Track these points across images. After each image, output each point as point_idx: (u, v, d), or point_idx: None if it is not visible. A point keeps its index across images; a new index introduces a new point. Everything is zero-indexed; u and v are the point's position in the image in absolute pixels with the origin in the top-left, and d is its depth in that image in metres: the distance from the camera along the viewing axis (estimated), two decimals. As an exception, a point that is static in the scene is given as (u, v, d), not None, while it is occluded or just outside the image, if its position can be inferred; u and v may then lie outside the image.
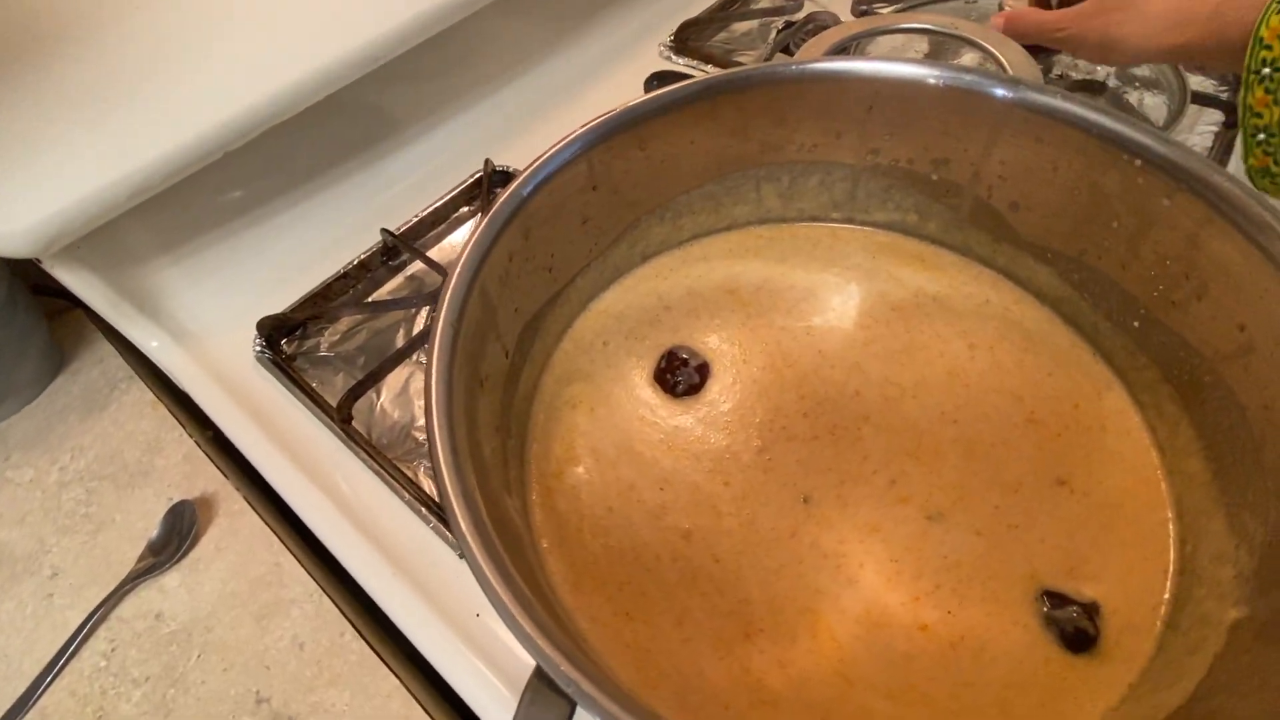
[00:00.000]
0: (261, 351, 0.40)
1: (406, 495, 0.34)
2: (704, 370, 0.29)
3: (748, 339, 0.29)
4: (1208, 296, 0.24)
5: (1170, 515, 0.23)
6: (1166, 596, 0.22)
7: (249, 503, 0.35)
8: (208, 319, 0.41)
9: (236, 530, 0.34)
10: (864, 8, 0.54)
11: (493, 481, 0.22)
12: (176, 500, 0.34)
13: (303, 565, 0.33)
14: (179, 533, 0.33)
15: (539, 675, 0.15)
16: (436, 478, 0.18)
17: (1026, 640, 0.22)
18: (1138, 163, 0.25)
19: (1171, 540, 0.23)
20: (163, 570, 0.33)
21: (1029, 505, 0.24)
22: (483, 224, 0.24)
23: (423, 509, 0.34)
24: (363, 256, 0.44)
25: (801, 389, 0.28)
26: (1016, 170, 0.29)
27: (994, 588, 0.23)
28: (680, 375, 0.28)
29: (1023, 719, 0.20)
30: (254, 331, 0.40)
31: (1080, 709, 0.20)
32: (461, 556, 0.33)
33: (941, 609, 0.22)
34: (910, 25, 0.31)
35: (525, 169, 0.26)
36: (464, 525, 0.17)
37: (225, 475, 0.36)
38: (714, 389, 0.28)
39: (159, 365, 0.40)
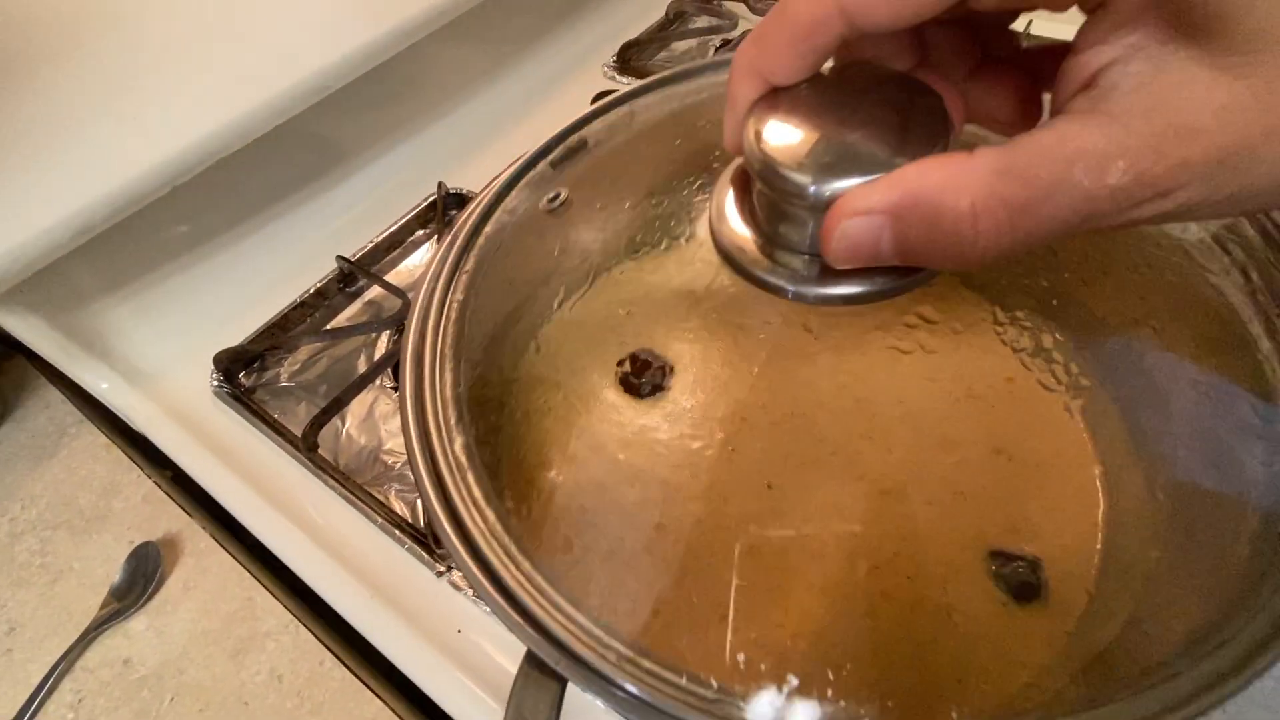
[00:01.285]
0: (220, 386, 0.40)
1: (379, 519, 0.35)
2: (667, 370, 0.30)
3: (707, 338, 0.31)
4: (1111, 273, 0.27)
5: (1097, 473, 0.26)
6: (1098, 546, 0.24)
7: (216, 540, 0.35)
8: (161, 356, 0.40)
9: (205, 568, 0.34)
10: (792, 25, 0.57)
11: (473, 494, 0.23)
12: (139, 543, 0.34)
13: (276, 598, 0.33)
14: (144, 575, 0.33)
15: (529, 660, 0.16)
16: (422, 496, 0.19)
17: (978, 596, 0.23)
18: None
19: (1100, 494, 0.25)
20: (128, 615, 0.32)
21: (973, 474, 0.26)
22: (441, 249, 0.25)
23: (396, 531, 0.34)
24: (319, 284, 0.44)
25: (759, 382, 0.29)
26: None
27: (947, 552, 0.25)
28: (645, 377, 0.29)
29: (981, 668, 0.22)
30: (211, 366, 0.39)
31: (1030, 654, 0.22)
32: (440, 575, 0.33)
33: (901, 575, 0.24)
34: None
35: (480, 194, 0.27)
36: (449, 532, 0.18)
37: (189, 514, 0.36)
38: (677, 387, 0.29)
39: (111, 407, 0.39)
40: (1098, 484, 0.25)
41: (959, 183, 0.12)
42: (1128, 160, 0.11)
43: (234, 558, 0.34)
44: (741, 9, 0.60)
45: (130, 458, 0.38)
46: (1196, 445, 0.23)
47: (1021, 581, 0.23)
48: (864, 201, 0.14)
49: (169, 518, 0.35)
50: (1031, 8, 0.13)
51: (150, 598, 0.32)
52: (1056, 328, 0.29)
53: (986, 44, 0.16)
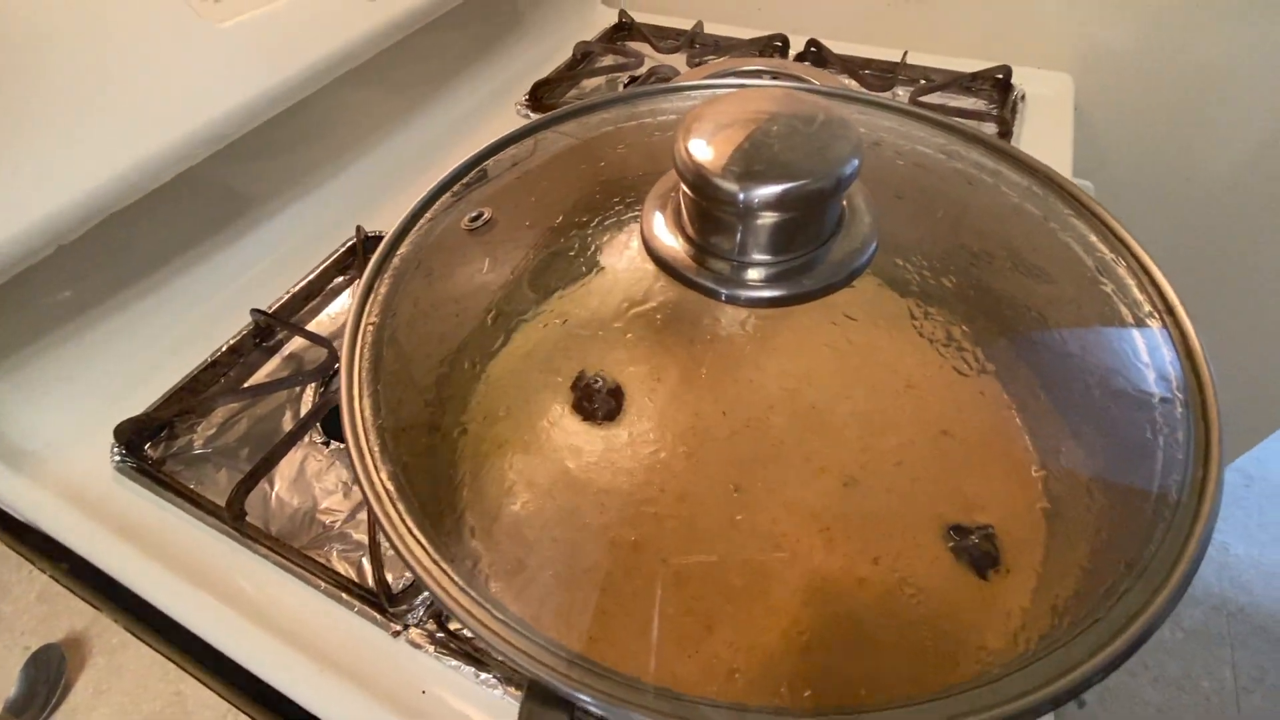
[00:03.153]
0: (123, 460, 0.36)
1: (323, 584, 0.32)
2: (618, 393, 0.30)
3: (657, 355, 0.31)
4: (1019, 260, 0.29)
5: (1029, 442, 0.28)
6: (1041, 507, 0.26)
7: (131, 632, 0.31)
8: (50, 434, 0.36)
9: (119, 666, 0.30)
10: (698, 60, 0.60)
11: (437, 530, 0.22)
12: (36, 647, 0.29)
13: (209, 687, 0.30)
14: (45, 683, 0.28)
15: (530, 695, 0.15)
16: (384, 533, 0.18)
17: (945, 572, 0.24)
18: (940, 156, 0.30)
19: (1034, 463, 0.27)
20: (28, 733, 0.27)
21: (923, 457, 0.28)
22: (374, 273, 0.24)
23: (343, 594, 0.32)
24: (232, 341, 0.41)
25: (713, 392, 0.30)
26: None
27: (911, 534, 0.25)
28: (597, 400, 0.29)
29: (958, 641, 0.23)
30: (111, 439, 0.36)
31: (1000, 618, 0.23)
32: (396, 635, 0.31)
33: (871, 561, 0.25)
34: (745, 68, 0.36)
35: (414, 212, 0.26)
36: (427, 572, 0.17)
37: (96, 607, 0.31)
38: (633, 407, 0.29)
39: (-10, 498, 0.34)
40: (1031, 453, 0.27)
41: None
42: None
43: (155, 649, 0.30)
44: (646, 48, 0.63)
45: (18, 553, 0.33)
46: (1095, 415, 0.25)
47: (981, 551, 0.25)
48: None
49: (71, 615, 0.31)
50: None
51: (55, 708, 0.28)
52: (977, 315, 0.31)
53: None
